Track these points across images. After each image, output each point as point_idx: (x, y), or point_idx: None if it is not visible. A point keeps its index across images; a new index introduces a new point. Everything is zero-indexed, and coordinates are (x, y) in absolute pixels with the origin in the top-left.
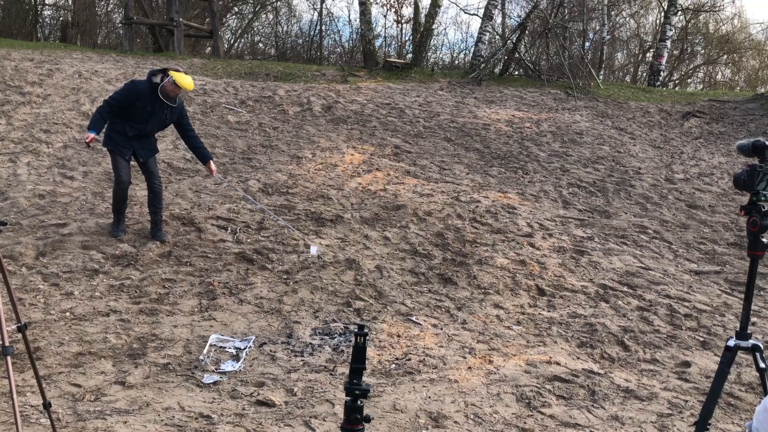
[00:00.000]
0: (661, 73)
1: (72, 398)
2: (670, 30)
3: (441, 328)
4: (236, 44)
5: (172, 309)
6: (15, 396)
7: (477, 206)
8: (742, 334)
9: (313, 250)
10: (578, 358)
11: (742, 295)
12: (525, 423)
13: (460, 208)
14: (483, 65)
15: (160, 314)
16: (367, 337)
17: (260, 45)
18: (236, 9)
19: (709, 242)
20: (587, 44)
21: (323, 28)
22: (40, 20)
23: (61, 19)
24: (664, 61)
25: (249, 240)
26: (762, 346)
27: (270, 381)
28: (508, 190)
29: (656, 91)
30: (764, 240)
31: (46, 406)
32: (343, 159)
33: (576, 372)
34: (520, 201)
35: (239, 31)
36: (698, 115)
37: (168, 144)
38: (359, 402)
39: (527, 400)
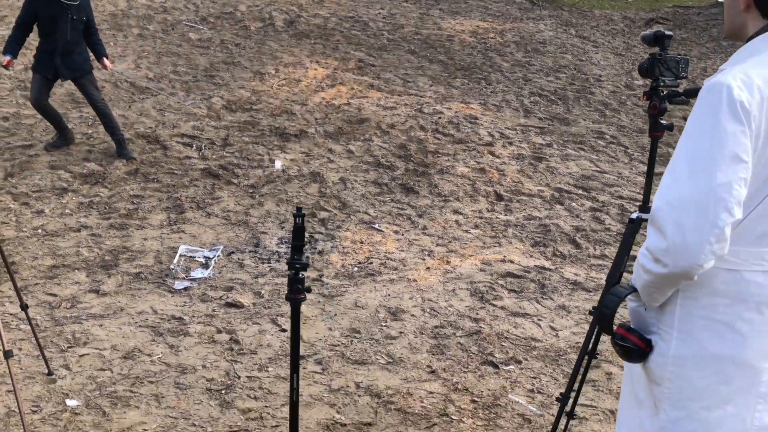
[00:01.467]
0: None
1: (49, 306)
2: None
3: (402, 234)
4: None
5: (141, 223)
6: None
7: (440, 117)
8: (644, 207)
9: (278, 164)
10: (531, 256)
11: None
12: (477, 314)
13: (423, 120)
14: None
15: (130, 228)
16: (305, 219)
17: None
18: None
19: (665, 146)
20: None
21: None
22: None
23: None
24: None
25: (214, 156)
26: None
27: (238, 285)
28: (470, 100)
29: None
30: (663, 122)
31: (23, 307)
32: (307, 74)
33: (528, 268)
34: (482, 111)
35: None
36: (661, 21)
37: (130, 63)
38: (300, 275)
39: (480, 295)
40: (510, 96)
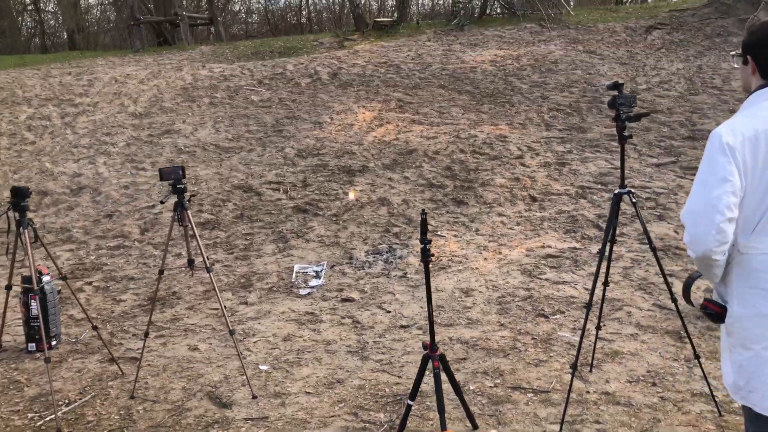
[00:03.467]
0: None
1: (216, 316)
2: None
3: (460, 237)
4: (232, 27)
5: (258, 253)
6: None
7: (475, 140)
8: (621, 185)
9: (350, 195)
10: (564, 241)
11: (693, 179)
12: (528, 286)
13: (461, 144)
14: (462, 11)
15: (251, 258)
16: (426, 221)
17: (254, 24)
18: None
19: (668, 139)
20: None
21: None
22: (46, 30)
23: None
24: None
25: (299, 196)
26: (633, 191)
27: (346, 287)
28: (498, 122)
29: (623, 9)
30: (625, 134)
31: (231, 332)
32: (357, 118)
33: (563, 250)
34: (510, 130)
35: (238, 14)
36: (659, 27)
37: (210, 129)
38: (427, 247)
39: (528, 272)
40: (531, 114)
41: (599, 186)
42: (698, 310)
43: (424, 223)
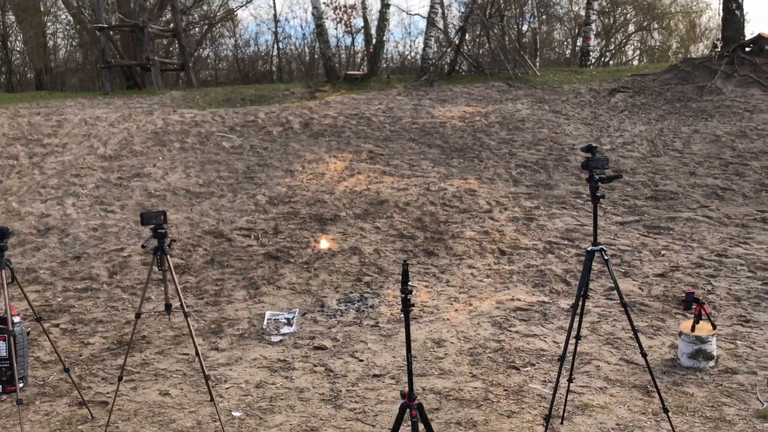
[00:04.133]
0: (591, 54)
1: (187, 362)
2: (593, 15)
3: (431, 288)
4: (202, 72)
5: (229, 299)
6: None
7: (445, 193)
8: (594, 243)
9: (323, 244)
10: (533, 294)
11: (657, 236)
12: (499, 337)
13: (431, 196)
14: (432, 68)
15: (222, 304)
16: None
17: (224, 71)
18: (203, 43)
19: (631, 198)
20: (524, 29)
21: (279, 45)
22: (12, 69)
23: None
24: (591, 42)
25: (270, 243)
26: (605, 249)
27: (318, 334)
28: (468, 176)
29: (587, 71)
30: (597, 194)
31: (206, 378)
32: (328, 167)
33: (532, 303)
34: (479, 184)
35: (207, 59)
36: (622, 90)
37: (180, 173)
38: (408, 297)
39: (499, 324)
40: (500, 169)
41: (566, 242)
42: None
43: (405, 274)
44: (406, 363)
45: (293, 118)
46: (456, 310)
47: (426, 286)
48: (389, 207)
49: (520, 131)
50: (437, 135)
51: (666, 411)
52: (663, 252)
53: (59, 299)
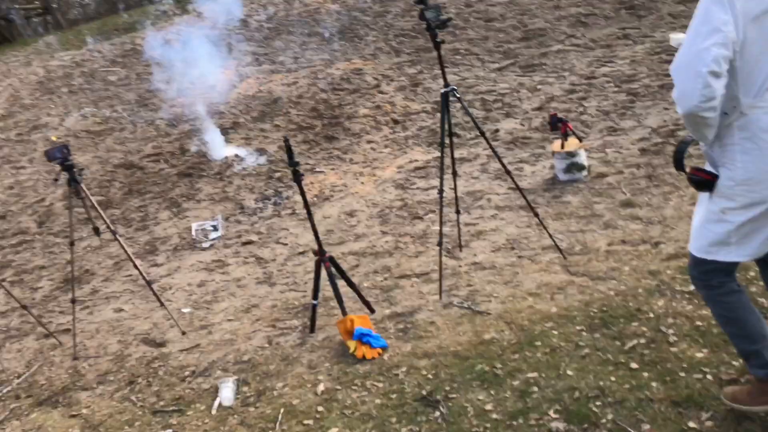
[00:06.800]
0: None
1: (132, 281)
2: None
3: (337, 169)
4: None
5: (155, 221)
6: None
7: (333, 78)
8: (445, 84)
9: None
10: (429, 153)
11: (532, 74)
12: (402, 197)
13: (321, 84)
14: None
15: (150, 227)
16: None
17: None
18: None
19: (504, 43)
20: None
21: None
22: None
23: None
24: None
25: (180, 162)
26: (456, 88)
27: (244, 232)
28: (351, 57)
29: None
30: (438, 40)
31: (149, 283)
32: (218, 78)
33: (428, 161)
34: (363, 63)
35: None
36: None
37: (77, 117)
38: (297, 168)
39: (401, 186)
40: (380, 44)
41: (451, 98)
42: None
43: (289, 149)
44: (310, 225)
45: (171, 37)
46: (362, 183)
47: (332, 169)
48: (284, 103)
49: (392, 1)
50: (314, 22)
51: (536, 215)
52: (538, 87)
53: None
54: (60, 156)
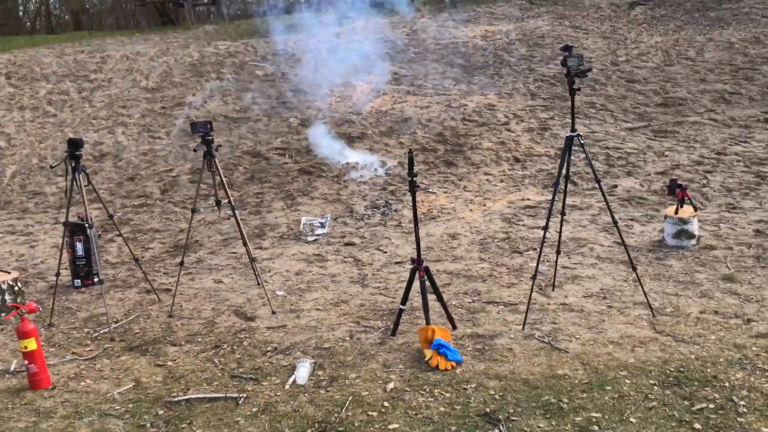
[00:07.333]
0: None
1: (235, 258)
2: None
3: (449, 193)
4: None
5: (269, 209)
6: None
7: (465, 109)
8: (572, 129)
9: (350, 158)
10: (542, 194)
11: (663, 139)
12: (507, 230)
13: (452, 113)
14: None
15: (263, 213)
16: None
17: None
18: None
19: (642, 106)
20: None
21: None
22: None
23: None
24: None
25: (303, 160)
26: (581, 134)
27: (348, 234)
28: (487, 92)
29: None
30: (574, 87)
31: (253, 260)
32: (355, 90)
33: (540, 201)
34: (498, 100)
35: None
36: (643, 3)
37: (218, 101)
38: (414, 180)
39: (508, 220)
40: (518, 84)
41: (577, 147)
42: None
43: (411, 161)
44: (413, 235)
45: (319, 44)
46: (471, 210)
47: (445, 192)
48: (412, 124)
49: (540, 47)
50: (459, 54)
51: (635, 269)
52: (666, 153)
53: (119, 214)
54: (203, 130)
